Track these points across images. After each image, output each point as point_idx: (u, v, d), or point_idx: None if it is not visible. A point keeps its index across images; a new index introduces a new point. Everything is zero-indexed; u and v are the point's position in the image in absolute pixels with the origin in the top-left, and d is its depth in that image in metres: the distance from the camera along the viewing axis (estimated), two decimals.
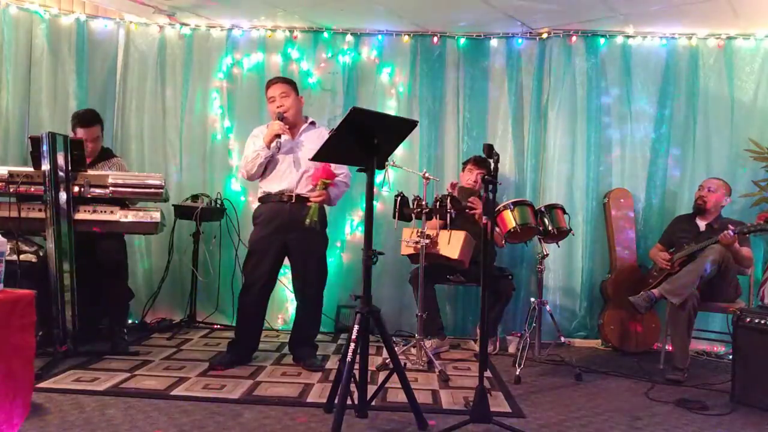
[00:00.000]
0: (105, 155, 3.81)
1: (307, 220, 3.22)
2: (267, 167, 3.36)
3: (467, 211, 3.75)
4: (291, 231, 3.31)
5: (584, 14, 4.12)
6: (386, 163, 3.23)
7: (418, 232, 3.51)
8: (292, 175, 3.33)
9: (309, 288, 3.42)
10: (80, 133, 3.61)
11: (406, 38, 4.52)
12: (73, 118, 3.72)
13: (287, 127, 3.33)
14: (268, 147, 3.27)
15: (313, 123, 3.52)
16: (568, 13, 4.13)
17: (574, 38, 4.40)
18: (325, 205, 3.45)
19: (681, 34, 4.34)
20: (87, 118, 3.66)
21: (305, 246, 3.35)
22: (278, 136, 3.24)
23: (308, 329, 3.48)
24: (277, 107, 3.34)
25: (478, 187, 3.92)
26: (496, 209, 3.45)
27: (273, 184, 3.35)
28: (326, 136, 3.46)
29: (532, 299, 3.63)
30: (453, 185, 4.00)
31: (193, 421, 2.44)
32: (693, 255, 3.62)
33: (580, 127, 4.39)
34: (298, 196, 3.31)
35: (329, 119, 4.45)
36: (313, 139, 3.39)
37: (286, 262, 3.48)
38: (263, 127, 3.45)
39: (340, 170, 3.40)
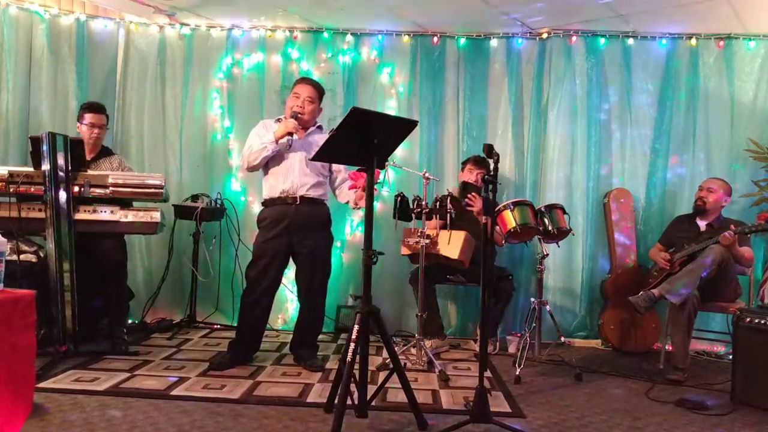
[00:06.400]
0: (104, 152, 3.82)
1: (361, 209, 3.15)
2: (270, 164, 3.33)
3: (466, 207, 3.75)
4: (297, 232, 3.30)
5: (584, 14, 4.12)
6: (386, 163, 3.23)
7: (418, 232, 3.51)
8: (295, 175, 3.30)
9: (313, 290, 3.39)
10: (88, 117, 3.69)
11: (406, 38, 4.52)
12: (81, 106, 3.82)
13: (300, 127, 3.32)
14: (277, 142, 3.25)
15: (320, 127, 3.52)
16: (568, 13, 4.13)
17: (574, 38, 4.40)
18: (326, 202, 3.44)
19: (681, 34, 4.34)
20: (97, 105, 3.78)
21: (311, 246, 3.33)
22: (290, 134, 3.23)
23: (312, 331, 3.47)
24: (298, 106, 3.32)
25: (480, 185, 3.92)
26: (496, 209, 3.45)
27: (277, 184, 3.31)
28: None
29: (532, 299, 3.63)
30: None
31: (193, 421, 2.44)
32: (693, 255, 3.62)
33: (580, 127, 4.39)
34: (303, 197, 3.29)
35: (329, 119, 4.45)
36: (321, 142, 3.40)
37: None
38: (270, 122, 3.43)
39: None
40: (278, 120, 3.41)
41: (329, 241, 3.47)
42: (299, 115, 3.29)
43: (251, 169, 3.36)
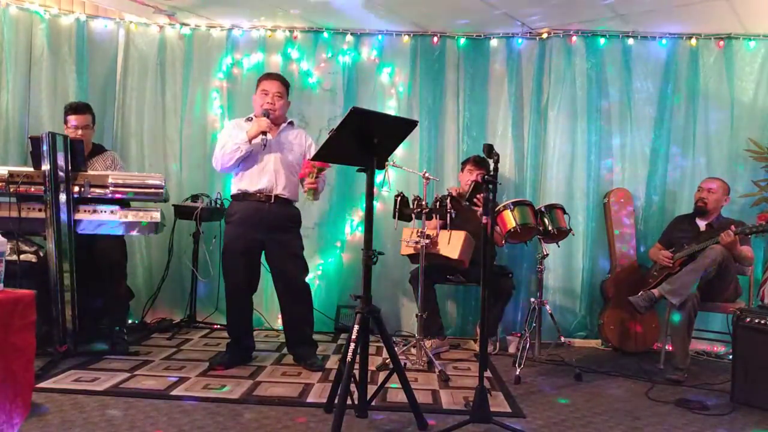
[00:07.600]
0: (97, 150, 3.81)
1: (308, 197, 3.20)
2: (244, 163, 3.30)
3: (474, 206, 3.74)
4: (269, 231, 3.29)
5: (584, 14, 4.12)
6: (386, 163, 3.23)
7: (418, 232, 3.51)
8: (271, 174, 3.29)
9: (294, 285, 3.37)
10: (71, 120, 3.63)
11: (406, 38, 4.52)
12: (65, 108, 3.74)
13: (272, 125, 3.29)
14: (250, 142, 3.22)
15: (291, 123, 3.50)
16: (568, 13, 4.13)
17: (574, 38, 4.40)
18: (297, 203, 3.44)
19: (681, 34, 4.34)
20: (78, 106, 3.70)
21: (283, 246, 3.33)
22: (264, 133, 3.20)
23: (304, 326, 3.44)
24: (268, 104, 3.30)
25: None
26: (496, 209, 3.45)
27: (252, 182, 3.29)
28: (305, 137, 3.49)
29: (532, 299, 3.63)
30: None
31: (193, 421, 2.44)
32: (693, 255, 3.62)
33: (580, 127, 4.39)
34: (277, 196, 3.28)
35: (329, 119, 4.45)
36: (294, 140, 3.41)
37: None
38: (241, 121, 3.42)
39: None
40: (249, 119, 3.38)
41: (301, 240, 3.46)
42: (271, 113, 3.27)
43: (224, 170, 3.37)
